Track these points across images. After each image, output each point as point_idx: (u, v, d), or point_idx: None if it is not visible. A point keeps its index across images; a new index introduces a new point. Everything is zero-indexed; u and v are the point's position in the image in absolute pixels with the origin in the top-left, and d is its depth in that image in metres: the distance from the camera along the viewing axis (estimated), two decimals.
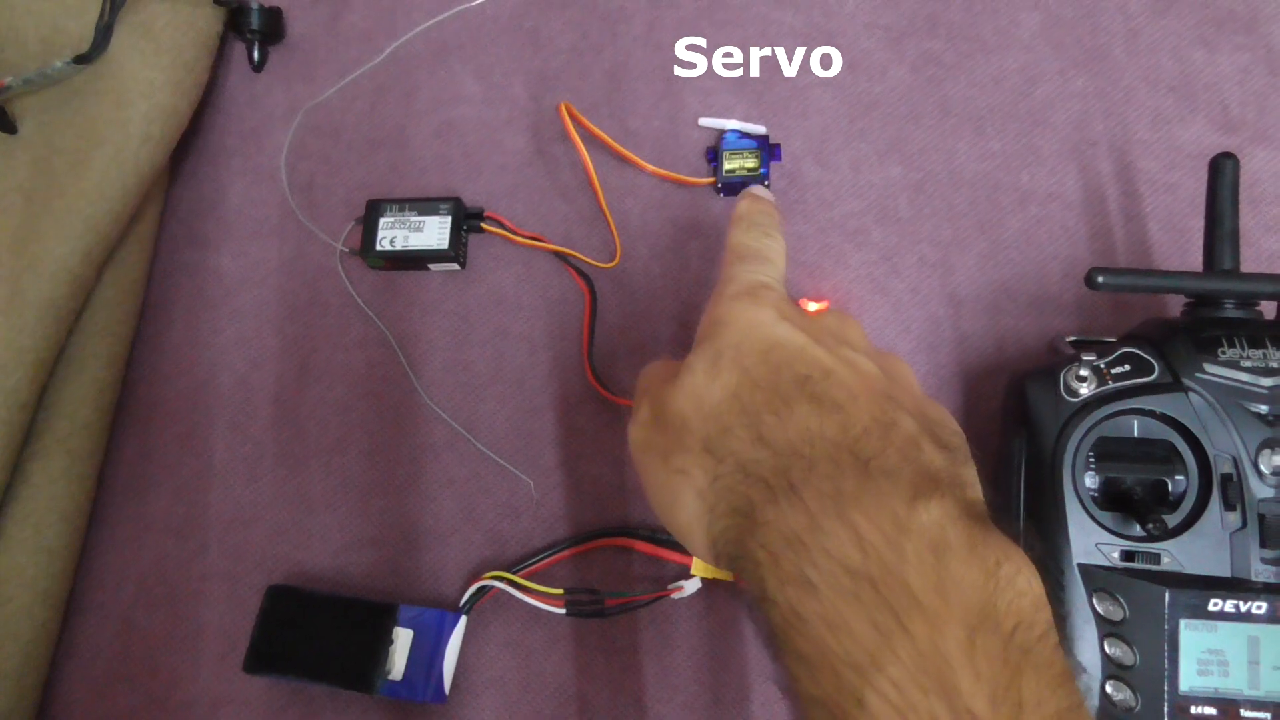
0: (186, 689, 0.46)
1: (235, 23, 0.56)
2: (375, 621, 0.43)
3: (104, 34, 0.49)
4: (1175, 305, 0.44)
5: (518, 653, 0.45)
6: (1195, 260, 0.43)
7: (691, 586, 0.44)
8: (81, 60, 0.49)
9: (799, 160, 0.52)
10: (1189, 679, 0.37)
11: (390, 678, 0.42)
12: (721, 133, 0.52)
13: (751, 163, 0.51)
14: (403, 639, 0.43)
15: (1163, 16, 0.53)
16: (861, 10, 0.55)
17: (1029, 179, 0.50)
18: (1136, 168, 0.50)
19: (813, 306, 0.46)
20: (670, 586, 0.44)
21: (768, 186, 0.51)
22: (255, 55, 0.57)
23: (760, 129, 0.52)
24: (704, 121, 0.52)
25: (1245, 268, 0.43)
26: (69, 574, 0.46)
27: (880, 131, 0.52)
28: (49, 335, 0.45)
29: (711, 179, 0.51)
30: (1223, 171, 0.42)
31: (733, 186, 0.51)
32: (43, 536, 0.45)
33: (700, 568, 0.44)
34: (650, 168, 0.51)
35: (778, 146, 0.51)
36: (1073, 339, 0.45)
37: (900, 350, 0.48)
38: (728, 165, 0.51)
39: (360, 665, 0.42)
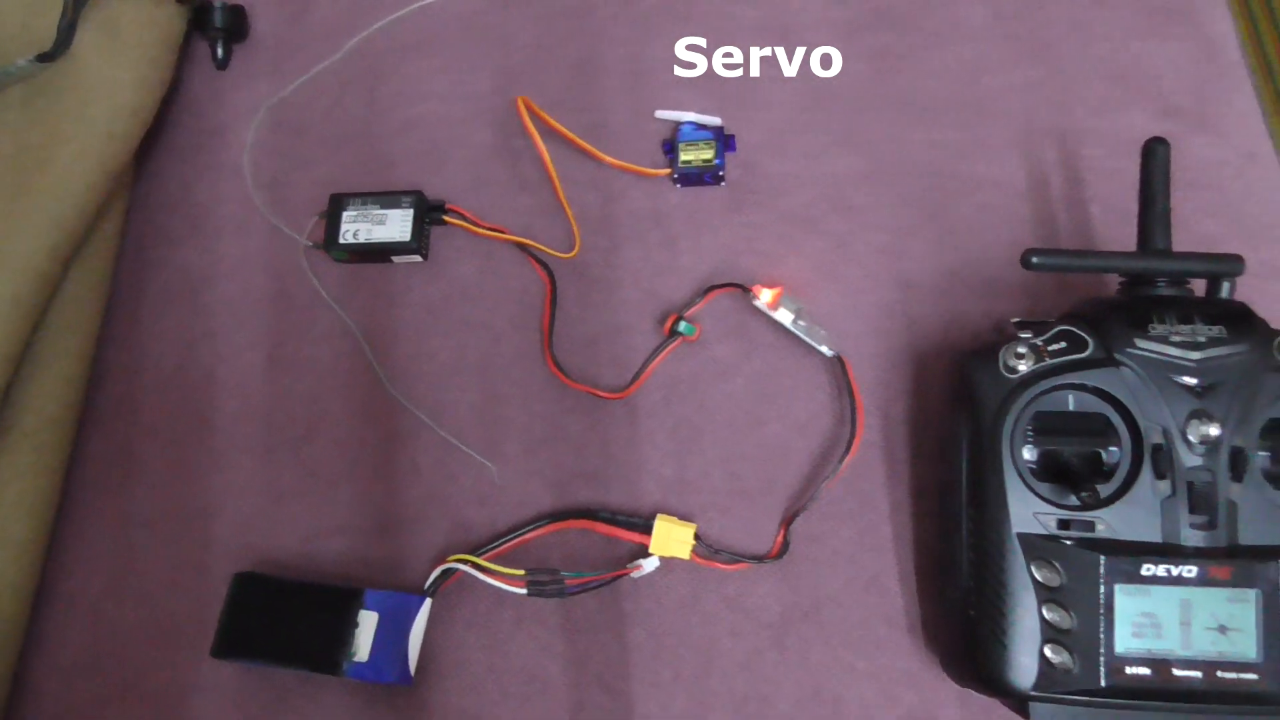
0: (156, 677, 0.46)
1: (199, 21, 0.57)
2: (341, 605, 0.44)
3: (67, 32, 0.50)
4: (1115, 285, 0.45)
5: (482, 634, 0.46)
6: (1134, 241, 0.45)
7: (650, 565, 0.45)
8: (44, 58, 0.49)
9: (755, 151, 0.53)
10: (1124, 641, 0.38)
11: (356, 660, 0.43)
12: (678, 125, 0.53)
13: (707, 154, 0.52)
14: (368, 622, 0.44)
15: (1104, 8, 0.55)
16: (816, 4, 0.56)
17: (977, 167, 0.52)
18: (1080, 155, 0.52)
19: (767, 294, 0.48)
20: (629, 565, 0.45)
21: (723, 178, 0.52)
22: (219, 53, 0.58)
23: (715, 120, 0.53)
24: (660, 114, 0.54)
25: (1183, 249, 0.44)
26: (37, 567, 0.47)
27: (834, 122, 0.53)
28: (15, 331, 0.46)
29: (668, 170, 0.52)
30: (1155, 155, 0.44)
31: (689, 177, 0.52)
32: (10, 530, 0.46)
33: (659, 546, 0.45)
34: (608, 159, 0.52)
35: (732, 137, 0.53)
36: (1017, 320, 0.46)
37: (853, 333, 0.49)
38: (684, 156, 0.52)
39: (326, 648, 0.43)
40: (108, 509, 0.49)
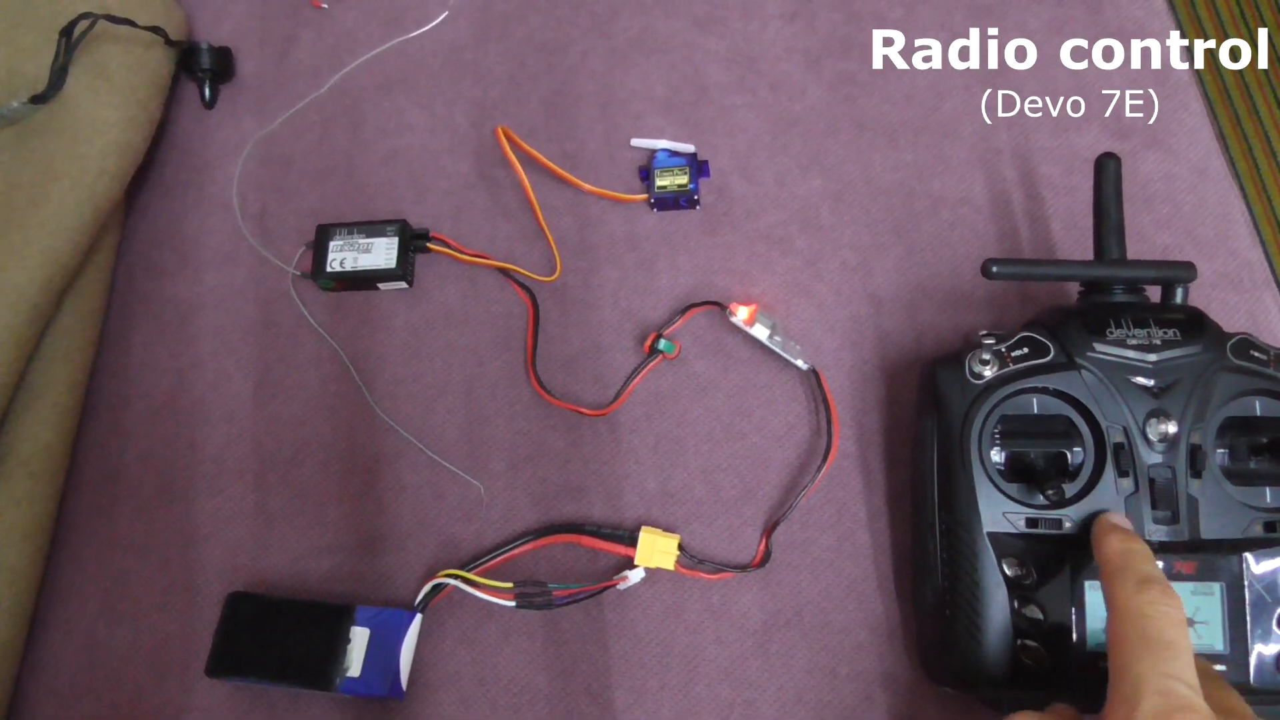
0: (150, 699, 0.47)
1: (186, 62, 0.59)
2: (333, 622, 0.45)
3: (59, 75, 0.51)
4: (1075, 296, 0.47)
5: (472, 647, 0.47)
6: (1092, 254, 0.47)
7: (635, 576, 0.46)
8: (38, 100, 0.51)
9: (727, 175, 0.55)
10: (1096, 635, 0.40)
11: (349, 675, 0.44)
12: (653, 152, 0.55)
13: (682, 179, 0.54)
14: (360, 638, 0.45)
15: (1058, 34, 0.57)
16: (781, 35, 0.58)
17: (940, 186, 0.54)
18: (1038, 173, 0.54)
19: (743, 311, 0.49)
20: (615, 577, 0.46)
21: (697, 201, 0.54)
22: (206, 93, 0.59)
23: (689, 147, 0.55)
24: (636, 142, 0.56)
25: (1139, 259, 0.46)
26: (33, 592, 0.48)
27: (801, 146, 0.55)
28: (9, 362, 0.47)
29: (644, 195, 0.54)
30: (1106, 170, 0.46)
31: (664, 202, 0.54)
32: (6, 556, 0.46)
33: (643, 557, 0.46)
34: (586, 186, 0.54)
35: (705, 163, 0.54)
36: (984, 333, 0.48)
37: (826, 347, 0.51)
38: (660, 182, 0.54)
39: (319, 664, 0.44)
40: (100, 534, 0.50)
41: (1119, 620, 0.34)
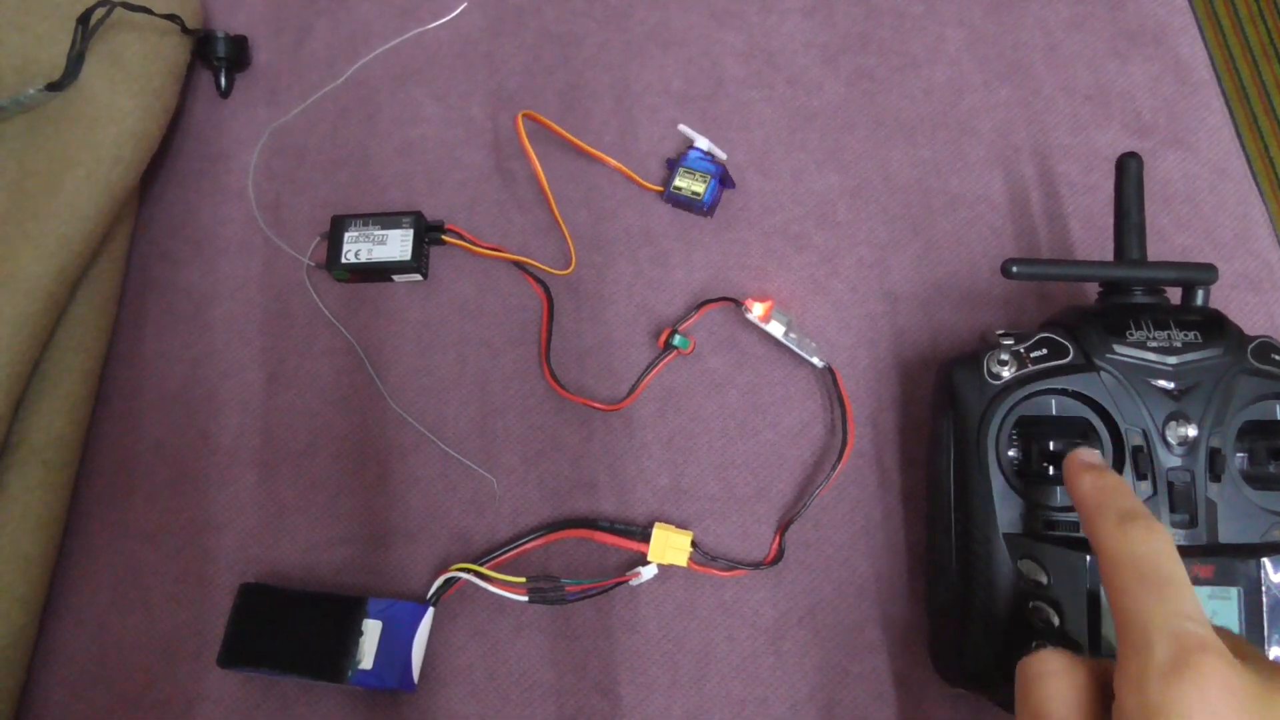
0: (161, 688, 0.47)
1: (202, 51, 0.58)
2: (345, 614, 0.45)
3: (75, 63, 0.51)
4: (1093, 296, 0.47)
5: (484, 641, 0.47)
6: (1112, 254, 0.46)
7: (648, 572, 0.46)
8: (54, 88, 0.51)
9: (743, 170, 0.55)
10: (1111, 638, 0.39)
11: (360, 667, 0.44)
12: (689, 146, 0.54)
13: (699, 186, 0.52)
14: (372, 630, 0.45)
15: (1078, 31, 0.57)
16: (799, 30, 0.58)
17: (958, 183, 0.54)
18: (1057, 171, 0.54)
19: (758, 307, 0.49)
20: (628, 573, 0.46)
21: (708, 213, 0.53)
22: (222, 82, 0.59)
23: (723, 155, 0.53)
24: (682, 128, 0.54)
25: (1159, 260, 0.46)
26: (45, 580, 0.48)
27: (819, 142, 0.55)
28: (24, 350, 0.47)
29: (660, 187, 0.54)
30: (1128, 170, 0.46)
31: (677, 200, 0.53)
32: (19, 544, 0.46)
33: (656, 554, 0.46)
34: (611, 161, 0.54)
35: (730, 177, 0.54)
36: (1002, 332, 0.48)
37: (842, 345, 0.51)
38: (677, 182, 0.53)
39: (331, 656, 0.44)
40: (113, 524, 0.50)
41: (1109, 564, 0.32)
